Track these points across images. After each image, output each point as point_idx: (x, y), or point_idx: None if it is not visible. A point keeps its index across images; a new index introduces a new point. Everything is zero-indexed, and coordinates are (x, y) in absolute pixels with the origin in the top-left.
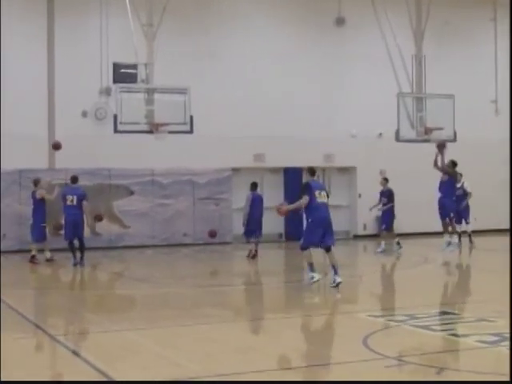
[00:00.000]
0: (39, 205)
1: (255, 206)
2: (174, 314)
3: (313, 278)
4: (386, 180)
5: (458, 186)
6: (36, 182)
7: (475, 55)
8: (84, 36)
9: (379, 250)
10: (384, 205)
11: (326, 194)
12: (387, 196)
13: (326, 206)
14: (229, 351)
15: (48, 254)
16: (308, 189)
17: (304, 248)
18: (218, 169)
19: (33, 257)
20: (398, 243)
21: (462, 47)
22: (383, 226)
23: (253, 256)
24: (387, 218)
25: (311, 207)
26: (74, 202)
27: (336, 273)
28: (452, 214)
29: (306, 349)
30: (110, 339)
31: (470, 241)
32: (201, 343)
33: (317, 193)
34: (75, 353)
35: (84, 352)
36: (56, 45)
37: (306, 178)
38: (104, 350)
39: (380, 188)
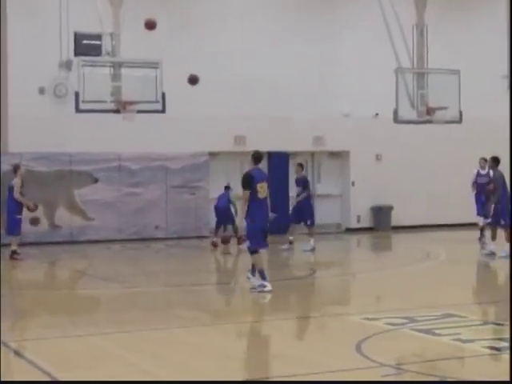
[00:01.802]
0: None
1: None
2: (143, 316)
3: (264, 287)
4: (300, 166)
5: (484, 172)
6: (15, 168)
7: (484, 25)
8: (41, 2)
9: (307, 248)
10: (298, 195)
11: (266, 187)
12: (302, 185)
13: (266, 202)
14: (204, 358)
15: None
16: (250, 181)
17: (253, 251)
18: (193, 153)
19: (13, 252)
20: (291, 243)
21: (470, 16)
22: (308, 222)
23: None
24: (308, 210)
25: (252, 204)
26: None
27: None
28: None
29: (291, 355)
30: (71, 345)
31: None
32: (173, 349)
33: (259, 186)
34: (30, 362)
35: (41, 360)
36: (8, 12)
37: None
38: (65, 358)
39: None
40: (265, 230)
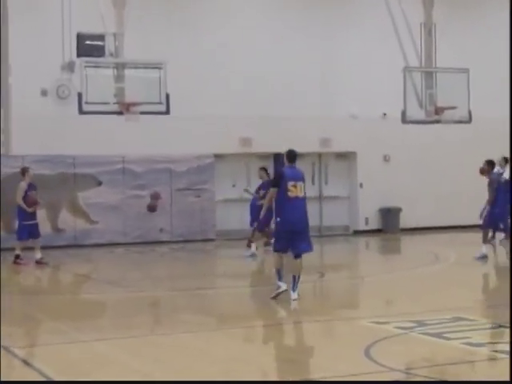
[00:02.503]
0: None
1: None
2: (148, 321)
3: (279, 287)
4: (263, 170)
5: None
6: (24, 171)
7: (493, 23)
8: (43, 2)
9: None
10: (262, 198)
11: (302, 187)
12: (265, 189)
13: (301, 201)
14: (211, 363)
15: (38, 255)
16: (279, 178)
17: (275, 250)
18: (198, 155)
19: (17, 257)
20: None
21: (478, 14)
22: (254, 224)
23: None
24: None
25: (283, 203)
26: None
27: (294, 287)
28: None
29: (299, 360)
30: (75, 351)
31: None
32: (178, 354)
33: (290, 185)
34: (34, 368)
35: (45, 367)
36: (10, 12)
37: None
38: (69, 364)
39: None
40: (294, 231)
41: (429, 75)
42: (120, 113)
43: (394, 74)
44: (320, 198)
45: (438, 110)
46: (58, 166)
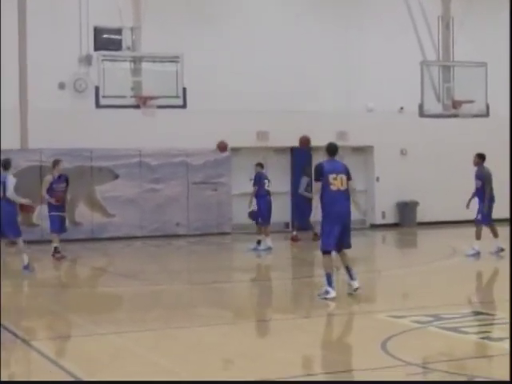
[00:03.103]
0: (50, 191)
1: None
2: (165, 314)
3: (327, 293)
4: (260, 166)
5: None
6: (55, 163)
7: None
8: None
9: (262, 247)
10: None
11: (344, 179)
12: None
13: (343, 194)
14: (229, 357)
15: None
16: (318, 171)
17: (323, 252)
18: (215, 149)
19: (55, 249)
20: (259, 242)
21: (497, 7)
22: (259, 219)
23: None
24: (263, 209)
25: (325, 197)
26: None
27: (352, 276)
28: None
29: (316, 354)
30: (93, 344)
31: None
32: (196, 348)
33: (331, 177)
34: (52, 360)
35: (63, 360)
36: (28, 6)
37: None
38: (86, 357)
39: None
40: (339, 224)
41: (446, 69)
42: (137, 106)
43: (412, 67)
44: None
45: (456, 104)
46: (76, 159)
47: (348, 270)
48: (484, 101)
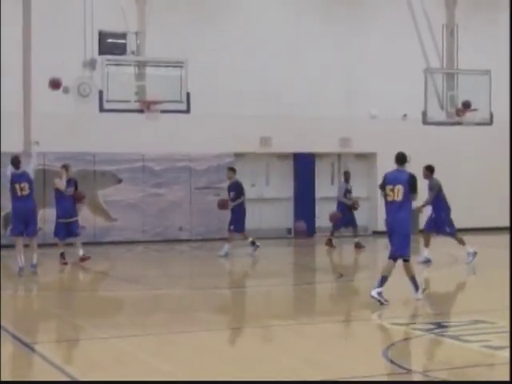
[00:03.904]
0: (59, 196)
1: None
2: (167, 319)
3: (379, 294)
4: (232, 170)
5: None
6: (65, 168)
7: None
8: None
9: (221, 253)
10: (232, 200)
11: (400, 191)
12: (234, 190)
13: (396, 205)
14: (230, 362)
15: (80, 252)
16: (382, 182)
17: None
18: (218, 154)
19: (61, 255)
20: (253, 243)
21: (500, 16)
22: (231, 227)
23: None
24: (237, 216)
25: (385, 207)
26: (26, 191)
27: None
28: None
29: (317, 360)
30: (94, 348)
31: None
32: (198, 352)
33: (388, 188)
34: (54, 364)
35: (65, 363)
36: (33, 9)
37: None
38: (88, 361)
39: None
40: (389, 234)
41: (450, 76)
42: (141, 111)
43: (415, 74)
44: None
45: (459, 112)
46: (79, 163)
47: (411, 281)
48: (488, 109)
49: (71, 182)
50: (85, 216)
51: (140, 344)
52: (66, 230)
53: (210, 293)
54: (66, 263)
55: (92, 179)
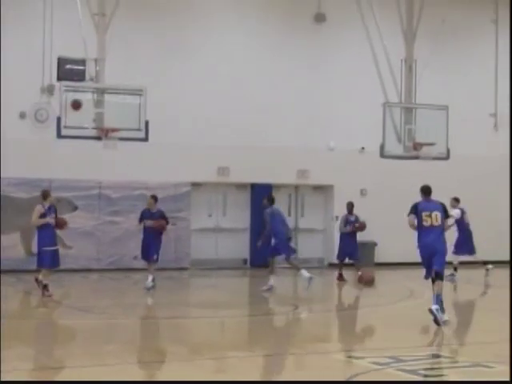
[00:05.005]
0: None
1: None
2: (121, 349)
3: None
4: (154, 199)
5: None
6: (46, 195)
7: (473, 62)
8: (24, 24)
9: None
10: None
11: (438, 216)
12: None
13: (435, 229)
14: None
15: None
16: (412, 208)
17: (425, 278)
18: (175, 183)
19: (44, 287)
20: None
21: (459, 52)
22: (155, 257)
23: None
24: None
25: (418, 231)
26: None
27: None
28: None
29: None
30: (45, 377)
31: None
32: None
33: (424, 214)
34: None
35: None
36: None
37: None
38: None
39: None
40: (425, 257)
41: (408, 111)
42: (98, 138)
43: (374, 108)
44: (296, 230)
45: (417, 146)
46: (35, 189)
47: (436, 298)
48: (445, 143)
49: (51, 208)
50: None
51: (93, 374)
52: (52, 258)
53: (165, 323)
54: (50, 295)
55: None
